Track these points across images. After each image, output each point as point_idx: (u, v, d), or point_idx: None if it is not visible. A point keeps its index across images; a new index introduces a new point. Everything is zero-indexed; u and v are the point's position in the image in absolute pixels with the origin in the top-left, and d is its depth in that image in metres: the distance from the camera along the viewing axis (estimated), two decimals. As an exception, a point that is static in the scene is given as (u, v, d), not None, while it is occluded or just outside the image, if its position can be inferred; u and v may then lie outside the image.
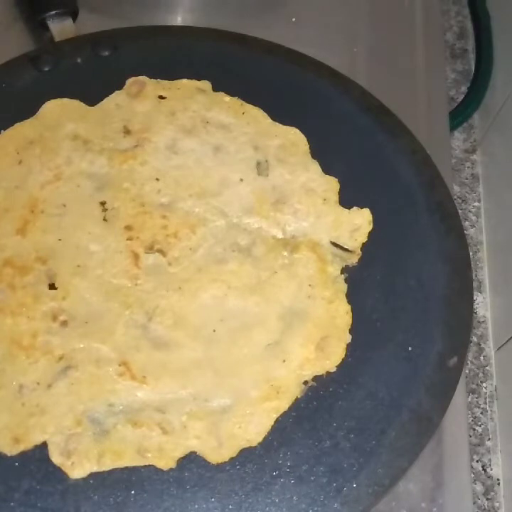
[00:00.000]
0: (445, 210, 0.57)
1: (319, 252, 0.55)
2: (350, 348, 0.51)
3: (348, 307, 0.53)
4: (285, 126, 0.60)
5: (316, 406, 0.49)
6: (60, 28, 0.66)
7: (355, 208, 0.56)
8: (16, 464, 0.46)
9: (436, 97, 0.73)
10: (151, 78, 0.62)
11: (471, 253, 0.75)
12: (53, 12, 0.66)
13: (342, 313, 0.52)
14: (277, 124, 0.60)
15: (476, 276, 0.75)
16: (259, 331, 0.51)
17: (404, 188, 0.58)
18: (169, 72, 0.63)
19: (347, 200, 0.57)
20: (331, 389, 0.50)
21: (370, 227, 0.56)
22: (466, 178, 0.81)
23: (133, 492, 0.46)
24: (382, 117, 0.62)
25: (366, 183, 0.58)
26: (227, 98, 0.61)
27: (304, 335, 0.51)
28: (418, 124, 0.69)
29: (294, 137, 0.60)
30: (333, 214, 0.56)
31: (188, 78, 0.62)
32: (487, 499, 0.63)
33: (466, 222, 0.78)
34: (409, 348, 0.51)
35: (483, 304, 0.73)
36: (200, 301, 0.52)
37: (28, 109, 0.60)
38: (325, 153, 0.59)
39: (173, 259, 0.54)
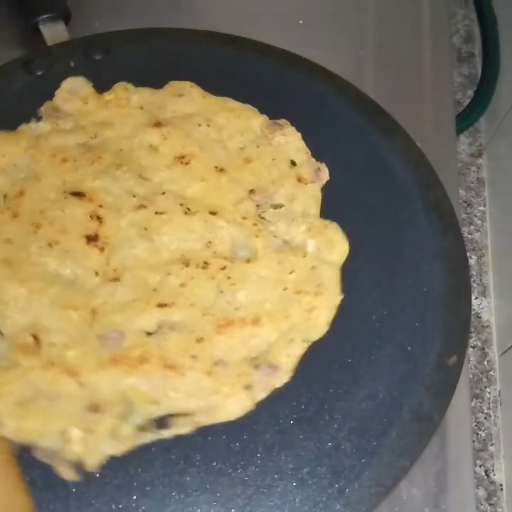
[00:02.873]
0: (441, 209, 0.58)
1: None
2: (350, 348, 0.51)
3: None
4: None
5: (317, 407, 0.49)
6: (52, 32, 0.66)
7: None
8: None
9: (442, 100, 0.73)
10: (143, 80, 0.63)
11: (476, 257, 0.76)
12: (45, 16, 0.66)
13: None
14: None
15: (480, 280, 0.74)
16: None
17: (400, 188, 0.59)
18: (162, 75, 0.63)
19: (343, 201, 0.57)
20: (331, 390, 0.50)
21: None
22: (472, 182, 0.80)
23: (135, 497, 0.46)
24: (376, 117, 0.62)
25: (362, 183, 0.59)
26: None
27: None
28: (424, 128, 0.69)
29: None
30: None
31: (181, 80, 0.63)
32: (490, 504, 0.63)
33: (472, 227, 0.77)
34: (409, 348, 0.51)
35: (488, 309, 0.73)
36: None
37: (21, 114, 0.60)
38: (320, 154, 0.60)
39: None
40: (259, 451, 0.47)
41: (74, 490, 0.46)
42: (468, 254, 0.73)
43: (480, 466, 0.65)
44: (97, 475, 0.46)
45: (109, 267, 0.52)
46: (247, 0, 0.79)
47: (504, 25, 0.83)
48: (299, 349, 0.51)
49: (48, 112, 0.61)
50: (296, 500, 0.46)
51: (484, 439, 0.66)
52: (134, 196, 0.55)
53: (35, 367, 0.48)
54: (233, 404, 0.48)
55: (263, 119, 0.61)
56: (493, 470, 0.65)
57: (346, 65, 0.71)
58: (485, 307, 0.73)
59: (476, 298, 0.73)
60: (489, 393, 0.69)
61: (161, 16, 0.76)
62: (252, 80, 0.64)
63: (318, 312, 0.52)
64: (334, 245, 0.55)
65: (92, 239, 0.53)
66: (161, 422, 0.48)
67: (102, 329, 0.50)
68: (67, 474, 0.46)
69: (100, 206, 0.55)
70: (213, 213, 0.55)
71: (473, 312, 0.71)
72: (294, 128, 0.61)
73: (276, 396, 0.49)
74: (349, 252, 0.55)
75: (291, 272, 0.53)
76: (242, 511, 0.45)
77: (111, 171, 0.56)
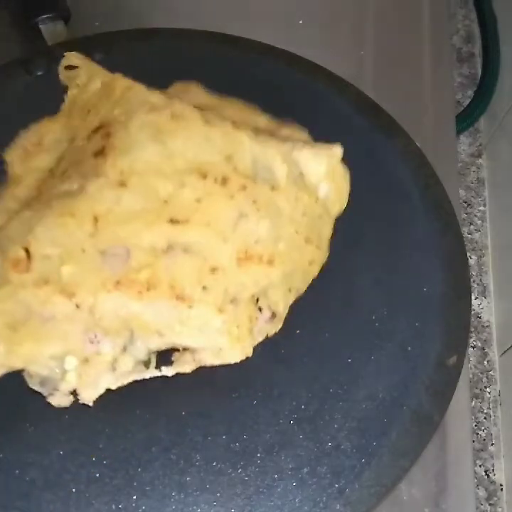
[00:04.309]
0: (441, 209, 0.58)
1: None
2: (349, 348, 0.51)
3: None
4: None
5: (317, 407, 0.49)
6: (52, 31, 0.66)
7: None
8: (17, 471, 0.46)
9: (442, 100, 0.73)
10: (143, 81, 0.62)
11: (476, 257, 0.76)
12: (45, 16, 0.66)
13: None
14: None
15: (480, 280, 0.74)
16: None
17: (400, 188, 0.58)
18: (162, 75, 0.63)
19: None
20: (331, 390, 0.50)
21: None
22: (472, 183, 0.80)
23: (135, 497, 0.45)
24: (376, 117, 0.62)
25: (361, 183, 0.58)
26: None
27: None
28: (424, 128, 0.70)
29: None
30: None
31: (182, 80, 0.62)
32: (490, 504, 0.63)
33: (472, 227, 0.78)
34: (409, 348, 0.51)
35: (488, 309, 0.73)
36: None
37: (20, 115, 0.59)
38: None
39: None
40: (259, 451, 0.47)
41: (74, 490, 0.45)
42: (468, 254, 0.74)
43: (480, 466, 0.65)
44: (97, 475, 0.46)
45: (114, 170, 0.46)
46: (247, 0, 0.79)
47: (504, 25, 0.83)
48: (292, 299, 0.48)
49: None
50: (296, 500, 0.46)
51: (484, 439, 0.66)
52: (147, 104, 0.51)
53: (26, 284, 0.43)
54: (238, 348, 0.45)
55: (267, 120, 0.61)
56: (493, 470, 0.65)
57: (346, 65, 0.71)
58: (485, 307, 0.73)
59: (476, 298, 0.73)
60: (489, 393, 0.69)
61: (161, 16, 0.76)
62: (251, 80, 0.63)
63: (314, 268, 0.49)
64: (341, 194, 0.52)
65: (99, 153, 0.48)
66: (163, 358, 0.45)
67: (104, 243, 0.44)
68: (59, 401, 0.43)
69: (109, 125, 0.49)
70: (236, 127, 0.49)
71: (473, 312, 0.71)
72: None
73: (277, 396, 0.49)
74: (349, 251, 0.55)
75: (303, 214, 0.49)
76: (242, 511, 0.45)
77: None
